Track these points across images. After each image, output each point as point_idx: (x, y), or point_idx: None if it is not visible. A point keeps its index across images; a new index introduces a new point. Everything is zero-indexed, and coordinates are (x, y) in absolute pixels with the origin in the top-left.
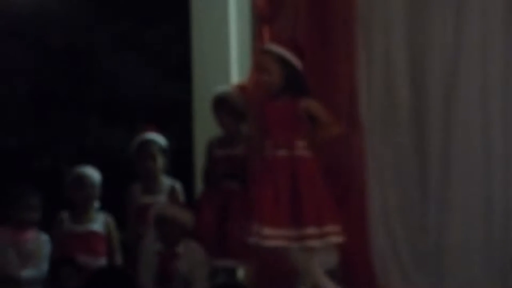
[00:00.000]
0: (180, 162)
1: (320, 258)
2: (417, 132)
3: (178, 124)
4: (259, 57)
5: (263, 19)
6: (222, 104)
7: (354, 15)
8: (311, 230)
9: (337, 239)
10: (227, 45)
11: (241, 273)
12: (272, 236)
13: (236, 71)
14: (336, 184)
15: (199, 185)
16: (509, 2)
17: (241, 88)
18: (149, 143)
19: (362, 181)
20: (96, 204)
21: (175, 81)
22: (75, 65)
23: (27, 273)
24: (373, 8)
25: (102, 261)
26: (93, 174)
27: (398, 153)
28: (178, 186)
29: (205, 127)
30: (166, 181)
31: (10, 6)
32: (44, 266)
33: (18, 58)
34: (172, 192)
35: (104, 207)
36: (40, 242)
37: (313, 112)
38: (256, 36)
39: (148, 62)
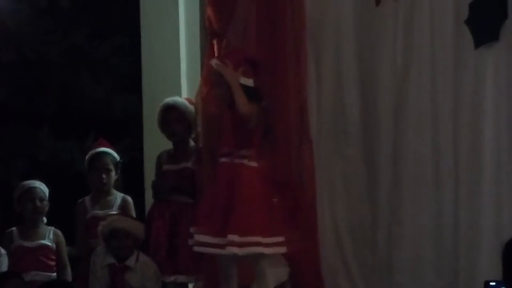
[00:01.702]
0: (130, 176)
1: (270, 271)
2: (367, 146)
3: (128, 137)
4: (211, 72)
5: (213, 32)
6: (171, 112)
7: (305, 30)
8: (232, 238)
9: (262, 250)
10: (178, 57)
11: None
12: (203, 243)
13: (186, 84)
14: (286, 197)
15: (149, 199)
16: (458, 16)
17: (189, 100)
18: (103, 156)
19: (312, 194)
20: (44, 218)
21: (126, 93)
22: (27, 78)
23: None
24: (323, 24)
25: (52, 276)
26: (41, 187)
27: (348, 167)
28: (129, 199)
29: (156, 140)
30: (118, 195)
31: None
32: None
33: None
34: (124, 205)
35: (54, 221)
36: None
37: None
38: (206, 50)
39: (99, 74)
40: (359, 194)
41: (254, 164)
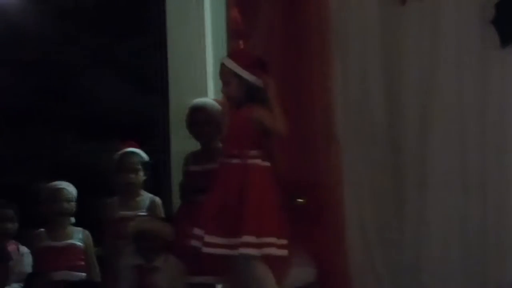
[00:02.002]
0: (157, 177)
1: (297, 273)
2: (393, 148)
3: (155, 139)
4: (221, 71)
5: (238, 33)
6: (200, 113)
7: (329, 31)
8: (248, 239)
9: (277, 251)
10: (204, 58)
11: None
12: (212, 244)
13: (213, 85)
14: (313, 198)
15: (176, 200)
16: (484, 15)
17: (218, 101)
18: (130, 156)
19: (339, 196)
20: (72, 218)
21: (151, 95)
22: (50, 80)
23: (13, 287)
24: (348, 23)
25: (82, 275)
26: (68, 188)
27: (375, 169)
28: (158, 200)
29: (182, 142)
30: (147, 196)
31: None
32: None
33: None
34: (152, 207)
35: (79, 222)
36: (21, 255)
37: (262, 121)
38: (232, 50)
39: (124, 76)
40: (386, 195)
41: (267, 163)
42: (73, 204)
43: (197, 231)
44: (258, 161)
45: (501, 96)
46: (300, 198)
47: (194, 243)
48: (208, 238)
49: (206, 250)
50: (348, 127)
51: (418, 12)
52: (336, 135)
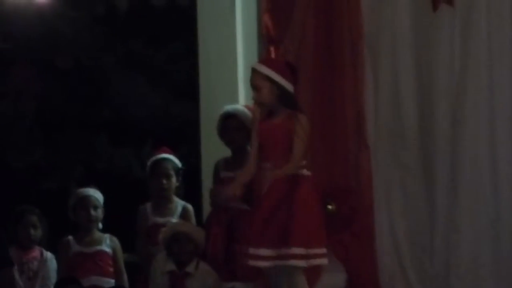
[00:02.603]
0: (188, 183)
1: (328, 279)
2: (424, 151)
3: (186, 144)
4: (251, 76)
5: (270, 39)
6: (231, 120)
7: (362, 36)
8: (297, 251)
9: (322, 261)
10: (235, 64)
11: None
12: (256, 256)
13: (244, 91)
14: (343, 204)
15: (207, 206)
16: None
17: (248, 107)
18: (164, 162)
19: (370, 201)
20: (100, 224)
21: (182, 100)
22: (83, 86)
23: None
24: (380, 30)
25: (110, 282)
26: (95, 195)
27: (405, 172)
28: (190, 207)
29: (213, 147)
30: (179, 203)
31: (18, 27)
32: (51, 285)
33: (26, 78)
34: (184, 214)
35: (111, 228)
36: (45, 260)
37: (294, 136)
38: (263, 56)
39: (156, 81)
40: (416, 200)
41: (309, 173)
42: (100, 210)
43: (250, 249)
44: (304, 171)
45: None
46: (330, 205)
47: (252, 262)
48: (252, 251)
49: (251, 263)
50: (379, 132)
51: (449, 18)
52: (367, 140)
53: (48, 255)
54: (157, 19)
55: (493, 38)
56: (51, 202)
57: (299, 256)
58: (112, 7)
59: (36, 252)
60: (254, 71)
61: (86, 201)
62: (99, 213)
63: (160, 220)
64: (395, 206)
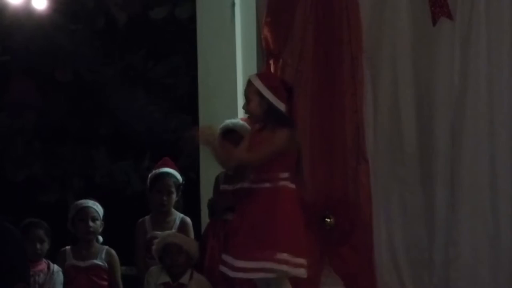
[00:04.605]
0: (187, 196)
1: None
2: (424, 166)
3: (185, 157)
4: (245, 85)
5: (269, 52)
6: (230, 134)
7: (361, 50)
8: (283, 256)
9: (302, 272)
10: (234, 77)
11: None
12: (244, 269)
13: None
14: (342, 217)
15: (205, 218)
16: None
17: (245, 120)
18: (166, 177)
19: (368, 215)
20: (99, 237)
21: (182, 114)
22: (83, 99)
23: None
24: (380, 44)
25: None
26: (94, 207)
27: (404, 187)
28: (188, 220)
29: (212, 161)
30: (178, 216)
31: (17, 40)
32: None
33: (25, 91)
34: (182, 227)
35: (110, 241)
36: (51, 273)
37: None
38: (263, 70)
39: (155, 94)
40: (415, 214)
41: (293, 186)
42: (99, 223)
43: (226, 257)
44: (287, 183)
45: None
46: (329, 218)
47: (222, 268)
48: (240, 263)
49: (240, 275)
50: (378, 146)
51: (448, 32)
52: (366, 154)
53: (55, 267)
54: (157, 32)
55: (492, 51)
56: (50, 215)
57: (283, 261)
58: (112, 20)
59: (43, 265)
60: (248, 82)
61: (85, 212)
62: (98, 225)
63: (159, 233)
64: (394, 219)
